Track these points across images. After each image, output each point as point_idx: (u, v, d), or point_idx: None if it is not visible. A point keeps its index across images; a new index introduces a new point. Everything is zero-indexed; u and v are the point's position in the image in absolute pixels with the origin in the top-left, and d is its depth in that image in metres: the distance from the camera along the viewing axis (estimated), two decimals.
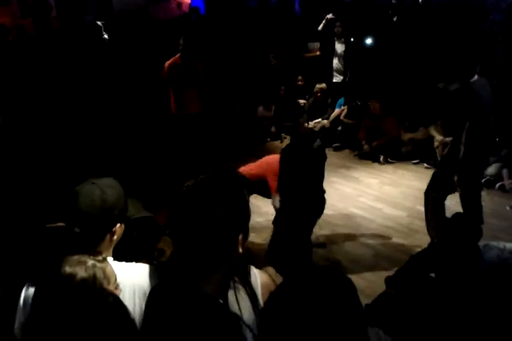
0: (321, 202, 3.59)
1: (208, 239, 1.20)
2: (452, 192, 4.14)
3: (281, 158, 3.33)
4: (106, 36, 8.24)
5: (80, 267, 1.35)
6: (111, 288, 1.38)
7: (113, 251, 1.66)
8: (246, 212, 1.28)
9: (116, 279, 1.44)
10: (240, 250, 1.26)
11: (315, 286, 1.00)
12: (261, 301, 1.31)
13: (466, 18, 7.27)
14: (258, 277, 1.37)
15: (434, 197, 4.11)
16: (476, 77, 3.87)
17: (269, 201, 4.20)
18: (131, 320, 1.24)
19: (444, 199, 4.13)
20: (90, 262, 1.38)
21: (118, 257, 1.64)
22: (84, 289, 1.28)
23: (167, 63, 5.70)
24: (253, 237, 4.29)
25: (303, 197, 3.31)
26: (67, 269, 1.33)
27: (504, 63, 6.62)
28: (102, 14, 10.52)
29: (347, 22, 7.18)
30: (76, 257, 1.38)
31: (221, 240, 1.21)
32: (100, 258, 1.43)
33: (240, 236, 1.25)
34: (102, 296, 1.23)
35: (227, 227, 1.21)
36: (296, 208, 3.36)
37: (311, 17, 8.42)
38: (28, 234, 1.94)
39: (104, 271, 1.38)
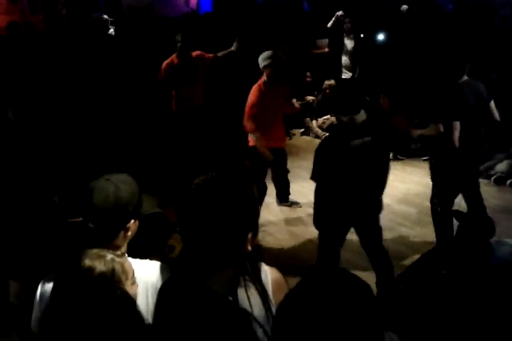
0: None
1: (217, 237, 1.20)
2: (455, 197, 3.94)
3: None
4: (112, 31, 8.24)
5: (99, 261, 1.36)
6: (128, 283, 1.39)
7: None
8: (255, 210, 1.29)
9: (133, 274, 1.45)
10: (249, 248, 1.27)
11: (331, 290, 0.98)
12: (271, 298, 1.32)
13: (476, 14, 7.19)
14: (268, 274, 1.37)
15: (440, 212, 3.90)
16: (465, 77, 3.83)
17: None
18: (142, 318, 1.25)
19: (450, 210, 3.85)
20: (109, 256, 1.39)
21: (130, 253, 1.65)
22: (101, 283, 1.29)
23: (164, 63, 5.68)
24: (263, 235, 4.30)
25: None
26: (87, 262, 1.33)
27: None
28: (111, 11, 10.52)
29: (356, 18, 7.13)
30: (95, 251, 1.39)
31: (230, 237, 1.22)
32: (119, 252, 1.44)
33: (250, 234, 1.26)
34: (115, 292, 1.24)
35: (236, 225, 1.21)
36: None
37: (319, 13, 8.37)
38: (47, 230, 1.96)
39: (122, 265, 1.39)
